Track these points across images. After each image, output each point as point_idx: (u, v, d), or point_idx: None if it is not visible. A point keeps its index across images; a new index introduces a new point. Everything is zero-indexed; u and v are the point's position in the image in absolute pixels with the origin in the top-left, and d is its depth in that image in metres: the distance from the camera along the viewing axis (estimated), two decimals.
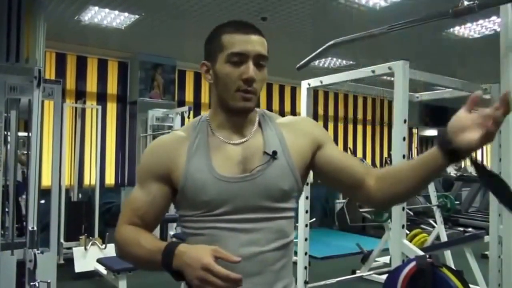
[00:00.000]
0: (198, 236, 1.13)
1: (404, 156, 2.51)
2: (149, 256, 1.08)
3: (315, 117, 7.86)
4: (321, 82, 2.96)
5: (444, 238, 4.93)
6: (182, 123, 6.13)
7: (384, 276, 4.32)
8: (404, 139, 2.51)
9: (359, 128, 9.75)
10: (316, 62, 6.23)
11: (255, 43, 1.13)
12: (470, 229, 5.91)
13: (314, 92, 3.24)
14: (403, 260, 2.35)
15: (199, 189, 1.12)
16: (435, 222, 5.39)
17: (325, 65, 6.93)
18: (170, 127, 6.13)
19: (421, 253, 2.28)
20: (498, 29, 5.31)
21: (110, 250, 4.92)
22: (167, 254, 1.03)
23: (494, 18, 5.01)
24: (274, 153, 1.15)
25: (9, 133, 3.65)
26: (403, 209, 2.47)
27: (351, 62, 6.84)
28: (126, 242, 1.14)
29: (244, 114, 1.18)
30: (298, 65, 2.94)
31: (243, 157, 1.15)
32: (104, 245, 4.92)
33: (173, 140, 1.20)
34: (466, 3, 2.18)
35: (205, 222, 1.13)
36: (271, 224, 1.14)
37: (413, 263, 2.05)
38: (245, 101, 1.13)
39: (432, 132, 11.23)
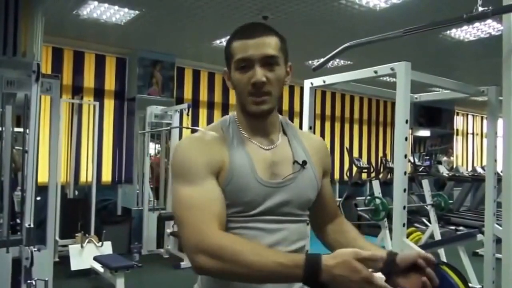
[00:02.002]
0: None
1: (405, 156, 2.50)
2: (281, 269, 0.97)
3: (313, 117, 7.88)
4: (324, 81, 2.95)
5: (438, 236, 5.03)
6: (181, 121, 6.11)
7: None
8: (406, 139, 2.51)
9: (356, 127, 9.81)
10: (314, 62, 6.22)
11: (259, 46, 1.13)
12: (461, 228, 5.99)
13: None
14: None
15: (242, 190, 1.13)
16: (428, 220, 5.46)
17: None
18: (169, 124, 6.10)
19: (421, 251, 2.27)
20: (493, 33, 5.40)
21: (107, 247, 4.90)
22: (311, 268, 0.96)
23: (489, 21, 5.09)
24: (304, 162, 1.20)
25: (3, 129, 3.60)
26: (404, 208, 2.48)
27: (348, 62, 6.85)
28: (238, 250, 1.00)
29: (261, 117, 1.20)
30: (314, 67, 2.98)
31: (273, 162, 1.19)
32: (100, 243, 4.88)
33: (214, 138, 1.18)
34: (480, 8, 2.19)
35: (236, 222, 1.14)
36: (293, 226, 1.19)
37: None
38: (257, 104, 1.15)
39: (425, 132, 11.30)
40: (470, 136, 12.72)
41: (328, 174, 1.34)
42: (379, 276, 0.98)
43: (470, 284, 3.87)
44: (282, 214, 1.17)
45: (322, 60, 2.89)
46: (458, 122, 12.24)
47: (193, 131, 6.81)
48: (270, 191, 1.16)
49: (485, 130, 12.73)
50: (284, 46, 1.19)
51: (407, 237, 4.80)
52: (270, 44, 1.15)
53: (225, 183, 1.13)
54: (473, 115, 12.72)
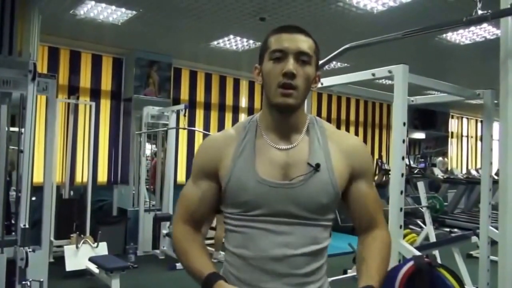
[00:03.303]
0: (235, 233, 1.20)
1: (403, 158, 2.52)
2: (194, 274, 1.18)
3: None
4: (322, 83, 2.96)
5: (433, 238, 5.09)
6: (178, 121, 6.11)
7: None
8: (403, 141, 2.52)
9: (352, 129, 9.88)
10: None
11: (296, 40, 1.18)
12: (456, 230, 6.03)
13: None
14: (399, 260, 2.35)
15: (240, 189, 1.17)
16: (423, 222, 5.50)
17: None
18: (165, 125, 6.10)
19: (418, 253, 2.28)
20: (489, 37, 5.44)
21: (102, 248, 4.88)
22: (206, 285, 1.13)
23: (485, 25, 5.14)
24: (317, 165, 1.17)
25: None
26: (401, 209, 2.49)
27: (346, 65, 6.87)
28: (179, 247, 1.25)
29: (287, 112, 1.19)
30: None
31: (286, 163, 1.18)
32: (95, 244, 4.87)
33: (223, 138, 1.26)
34: (480, 12, 2.21)
35: (242, 221, 1.19)
36: (304, 229, 1.17)
37: (410, 263, 2.06)
38: (284, 96, 1.16)
39: (420, 135, 11.36)
40: (464, 139, 12.79)
41: (364, 178, 1.25)
42: None
43: (465, 286, 3.90)
44: (290, 216, 1.16)
45: (322, 61, 2.90)
46: (453, 124, 12.32)
47: (190, 131, 6.83)
48: (272, 191, 1.15)
49: (479, 133, 12.82)
50: (317, 51, 1.23)
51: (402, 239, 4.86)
52: (305, 42, 1.19)
53: (225, 182, 1.20)
54: (467, 118, 12.79)
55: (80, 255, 4.73)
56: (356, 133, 9.98)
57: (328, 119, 9.36)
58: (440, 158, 11.21)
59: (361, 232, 1.28)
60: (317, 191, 1.16)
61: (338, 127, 9.55)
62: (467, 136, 12.87)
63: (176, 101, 6.92)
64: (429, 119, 11.11)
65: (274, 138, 1.21)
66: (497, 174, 4.26)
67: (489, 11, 2.20)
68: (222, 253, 5.10)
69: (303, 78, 1.17)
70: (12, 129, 4.06)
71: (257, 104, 8.03)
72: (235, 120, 7.76)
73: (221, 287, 1.10)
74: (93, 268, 4.44)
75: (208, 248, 5.51)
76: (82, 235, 5.05)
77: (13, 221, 3.72)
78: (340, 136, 1.28)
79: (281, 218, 1.16)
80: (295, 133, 1.22)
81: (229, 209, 1.21)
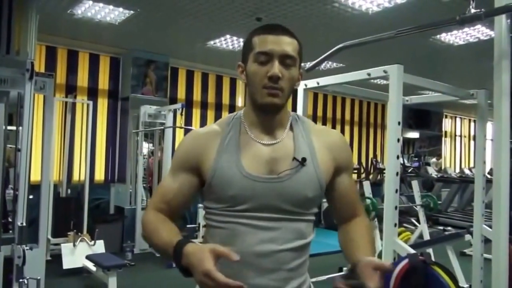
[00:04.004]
0: (220, 229, 1.19)
1: (398, 157, 2.54)
2: (164, 248, 1.12)
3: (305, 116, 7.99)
4: (318, 83, 2.99)
5: (427, 236, 5.09)
6: (175, 120, 6.13)
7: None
8: (398, 140, 2.54)
9: (347, 128, 9.91)
10: (307, 64, 6.28)
11: (282, 43, 1.17)
12: (449, 228, 6.08)
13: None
14: (394, 258, 2.37)
15: (225, 184, 1.16)
16: (417, 221, 5.53)
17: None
18: (162, 124, 6.12)
19: (412, 251, 2.31)
20: (482, 37, 5.49)
21: (99, 246, 4.90)
22: (176, 251, 1.06)
23: (478, 26, 5.19)
24: (304, 159, 1.18)
25: None
26: (396, 208, 2.50)
27: (341, 65, 6.91)
28: (148, 228, 1.21)
29: (272, 111, 1.21)
30: (307, 67, 3.00)
31: (271, 158, 1.18)
32: (93, 242, 4.89)
33: (207, 133, 1.25)
34: (473, 11, 2.22)
35: (227, 216, 1.17)
36: (290, 224, 1.17)
37: (405, 261, 2.08)
38: (270, 96, 1.16)
39: (414, 134, 11.43)
40: (458, 138, 12.87)
41: (346, 171, 1.28)
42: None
43: (459, 284, 3.95)
44: (276, 211, 1.16)
45: (316, 60, 2.93)
46: (447, 124, 12.39)
47: (187, 130, 6.84)
48: (258, 186, 1.15)
49: (472, 133, 12.90)
50: (301, 51, 1.23)
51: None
52: (290, 44, 1.18)
53: (209, 177, 1.18)
54: (461, 118, 12.87)
55: (77, 253, 4.74)
56: (351, 133, 10.03)
57: (324, 119, 9.40)
58: (434, 160, 11.29)
59: (343, 221, 1.30)
60: (303, 185, 1.17)
61: (334, 126, 9.61)
62: (461, 136, 12.96)
63: (173, 100, 6.95)
64: (423, 118, 11.19)
65: (258, 134, 1.22)
66: (490, 173, 4.32)
67: (483, 10, 2.21)
68: None
69: (288, 80, 1.17)
70: (9, 127, 4.07)
71: None
72: None
73: (192, 248, 1.04)
74: (90, 266, 4.45)
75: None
76: (79, 233, 5.06)
77: (10, 219, 3.73)
78: (322, 131, 1.30)
79: (267, 214, 1.15)
80: (279, 129, 1.23)
81: (213, 204, 1.20)
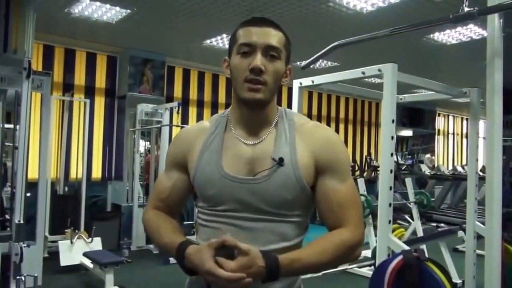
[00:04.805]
0: (206, 227, 1.19)
1: (392, 154, 2.57)
2: (167, 248, 1.17)
3: None
4: (313, 81, 3.02)
5: (420, 233, 5.16)
6: (171, 119, 6.16)
7: (365, 269, 4.44)
8: (392, 138, 2.57)
9: (341, 126, 9.98)
10: (302, 63, 6.33)
11: (266, 35, 1.13)
12: (442, 225, 6.12)
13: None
14: (388, 254, 2.40)
15: (206, 183, 1.16)
16: (411, 217, 5.57)
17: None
18: (159, 122, 6.15)
19: (406, 247, 2.34)
20: (475, 37, 5.52)
21: (96, 243, 4.92)
22: (179, 254, 1.11)
23: (471, 26, 5.23)
24: (281, 160, 1.12)
25: None
26: (390, 205, 2.53)
27: (336, 64, 6.95)
28: (149, 227, 1.25)
29: (255, 107, 1.16)
30: (303, 65, 3.01)
31: (252, 158, 1.15)
32: (90, 239, 4.90)
33: (195, 131, 1.26)
34: (466, 9, 2.23)
35: (211, 215, 1.18)
36: (272, 225, 1.13)
37: (399, 257, 2.12)
38: (252, 91, 1.12)
39: (408, 132, 11.51)
40: (451, 136, 12.95)
41: (331, 173, 1.15)
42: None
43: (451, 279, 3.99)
44: (256, 212, 1.13)
45: (311, 58, 2.95)
46: (440, 122, 12.46)
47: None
48: (236, 186, 1.13)
49: (465, 131, 12.98)
50: (287, 45, 1.18)
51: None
52: (275, 36, 1.14)
53: (192, 176, 1.20)
54: (453, 116, 12.95)
55: (74, 250, 4.75)
56: (346, 131, 10.08)
57: (319, 117, 9.44)
58: (428, 155, 11.36)
59: (329, 228, 1.17)
60: (281, 186, 1.12)
61: (328, 124, 9.65)
62: (453, 134, 13.03)
63: (170, 99, 6.96)
64: (417, 117, 11.26)
65: (242, 132, 1.19)
66: (482, 170, 4.36)
67: (476, 8, 2.21)
68: None
69: (272, 73, 1.13)
70: (7, 125, 4.09)
71: None
72: None
73: (193, 249, 1.07)
74: (87, 263, 4.48)
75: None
76: (76, 231, 5.07)
77: (7, 217, 3.75)
78: (310, 128, 1.20)
79: (247, 214, 1.13)
80: (264, 127, 1.18)
81: (200, 203, 1.21)
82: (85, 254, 4.46)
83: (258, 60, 1.10)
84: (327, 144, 1.17)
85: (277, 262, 1.03)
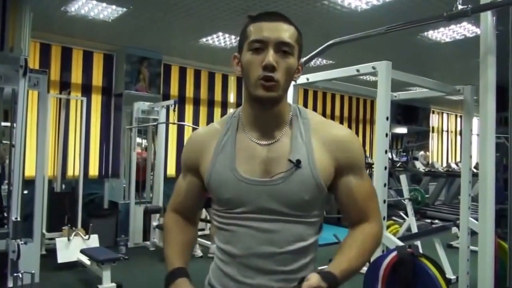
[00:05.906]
0: (222, 230, 1.19)
1: (386, 151, 2.58)
2: (167, 265, 1.23)
3: None
4: (307, 79, 3.03)
5: (414, 229, 5.18)
6: (167, 116, 6.18)
7: None
8: (386, 135, 2.58)
9: None
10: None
11: (277, 30, 1.10)
12: (436, 221, 6.17)
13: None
14: (383, 250, 2.43)
15: (220, 187, 1.15)
16: (405, 214, 5.61)
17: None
18: (155, 120, 6.17)
19: (401, 243, 2.36)
20: (468, 35, 5.55)
21: (94, 240, 4.94)
22: (166, 280, 1.18)
23: (464, 24, 5.26)
24: (298, 162, 1.10)
25: None
26: (384, 201, 2.53)
27: (331, 62, 6.97)
28: (165, 232, 1.33)
29: (268, 105, 1.13)
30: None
31: (267, 159, 1.13)
32: (87, 236, 4.92)
33: (206, 134, 1.24)
34: (460, 7, 2.25)
35: (227, 218, 1.17)
36: (289, 226, 1.13)
37: (394, 253, 2.13)
38: (265, 89, 1.08)
39: (402, 129, 11.57)
40: (445, 134, 13.02)
41: (352, 171, 1.16)
42: None
43: (445, 275, 4.03)
44: (274, 214, 1.12)
45: (307, 57, 2.97)
46: (434, 120, 12.53)
47: (180, 126, 6.89)
48: (253, 189, 1.12)
49: (459, 128, 13.05)
50: (300, 40, 1.15)
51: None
52: (287, 31, 1.11)
53: (206, 179, 1.18)
54: (447, 113, 13.01)
55: (71, 247, 4.77)
56: None
57: None
58: (422, 152, 11.42)
59: (350, 225, 1.21)
60: (299, 188, 1.11)
61: None
62: (447, 131, 13.11)
63: (166, 97, 6.98)
64: (411, 114, 11.33)
65: (255, 132, 1.16)
66: (476, 167, 4.40)
67: (469, 6, 2.24)
68: None
69: (285, 70, 1.09)
70: (4, 123, 4.10)
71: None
72: (223, 115, 7.81)
73: (179, 285, 1.14)
74: (85, 260, 4.50)
75: (204, 241, 5.60)
76: (73, 228, 5.09)
77: (5, 214, 3.76)
78: (325, 127, 1.18)
79: (265, 215, 1.12)
80: (277, 126, 1.16)
81: (215, 206, 1.20)
82: (82, 251, 4.48)
83: (271, 56, 1.07)
84: (345, 143, 1.17)
85: (335, 279, 1.06)
